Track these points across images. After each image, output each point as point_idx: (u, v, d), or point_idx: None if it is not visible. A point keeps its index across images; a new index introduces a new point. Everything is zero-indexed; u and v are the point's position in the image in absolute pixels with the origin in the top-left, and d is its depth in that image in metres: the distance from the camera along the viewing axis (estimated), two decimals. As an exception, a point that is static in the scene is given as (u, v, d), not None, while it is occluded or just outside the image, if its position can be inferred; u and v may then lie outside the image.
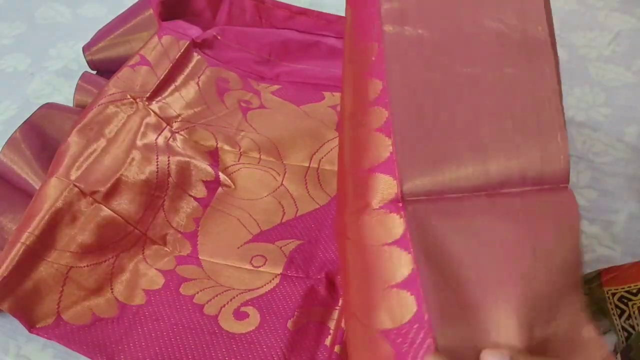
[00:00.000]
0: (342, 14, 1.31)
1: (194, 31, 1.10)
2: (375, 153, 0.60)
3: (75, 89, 1.07)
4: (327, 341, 0.80)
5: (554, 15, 0.60)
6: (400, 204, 0.57)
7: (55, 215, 0.82)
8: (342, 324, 0.81)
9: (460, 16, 0.60)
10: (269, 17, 1.18)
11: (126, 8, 1.18)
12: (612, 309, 0.80)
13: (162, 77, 1.02)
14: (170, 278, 0.87)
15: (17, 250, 0.78)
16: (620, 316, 0.79)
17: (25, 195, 0.93)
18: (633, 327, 0.78)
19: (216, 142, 1.01)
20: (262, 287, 0.86)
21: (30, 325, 0.79)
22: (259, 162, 1.01)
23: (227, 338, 0.81)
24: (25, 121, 0.99)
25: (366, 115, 0.62)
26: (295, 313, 0.82)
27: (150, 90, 1.00)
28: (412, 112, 0.58)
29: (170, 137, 0.97)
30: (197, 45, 1.10)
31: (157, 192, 0.92)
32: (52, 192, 0.84)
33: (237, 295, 0.85)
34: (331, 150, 1.01)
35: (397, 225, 0.57)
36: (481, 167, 0.56)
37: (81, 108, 1.05)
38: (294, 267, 0.88)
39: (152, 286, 0.86)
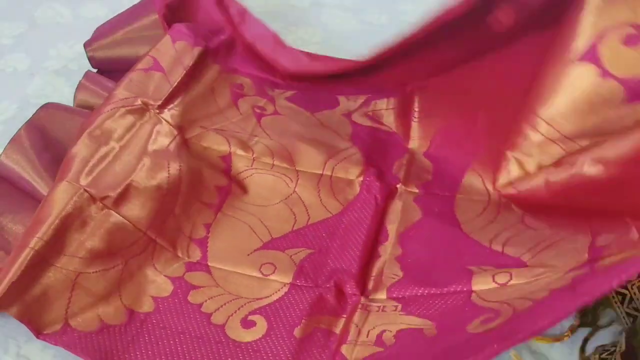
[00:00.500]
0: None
1: (213, 38, 1.10)
2: None
3: (78, 87, 1.08)
4: (334, 346, 0.80)
5: None
6: None
7: (64, 221, 0.82)
8: (349, 328, 0.81)
9: None
10: None
11: (126, 8, 1.18)
12: (614, 296, 0.80)
13: (175, 85, 1.01)
14: (179, 285, 0.87)
15: (25, 256, 0.78)
16: (622, 302, 0.79)
17: (25, 195, 0.93)
18: (637, 310, 0.78)
19: (229, 146, 1.00)
20: (271, 295, 0.86)
21: (38, 331, 0.79)
22: (272, 168, 1.00)
23: (233, 347, 0.81)
24: (29, 120, 0.99)
25: None
26: (303, 321, 0.82)
27: (163, 98, 0.99)
28: None
29: (182, 144, 0.97)
30: (211, 51, 1.10)
31: (168, 197, 0.92)
32: (62, 197, 0.84)
33: (245, 304, 0.85)
34: (345, 158, 1.00)
35: None
36: None
37: (83, 108, 1.05)
38: (303, 277, 0.88)
39: (161, 293, 0.86)
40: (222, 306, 0.85)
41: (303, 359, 0.80)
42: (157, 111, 0.98)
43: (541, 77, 0.82)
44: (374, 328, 0.80)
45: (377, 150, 1.03)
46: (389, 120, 1.07)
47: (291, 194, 0.98)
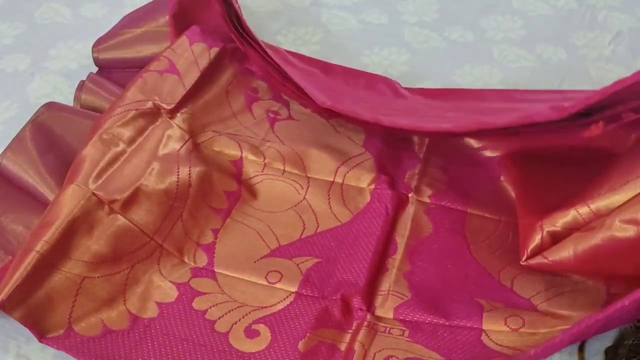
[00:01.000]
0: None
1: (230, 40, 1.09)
2: None
3: (81, 88, 1.08)
4: None
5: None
6: None
7: (72, 224, 0.82)
8: (354, 346, 0.80)
9: None
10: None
11: (126, 8, 1.19)
12: None
13: (189, 87, 1.00)
14: (184, 291, 0.86)
15: (31, 259, 0.78)
16: None
17: (26, 195, 0.93)
18: None
19: (241, 151, 1.00)
20: (276, 304, 0.85)
21: (41, 335, 0.79)
22: (282, 174, 0.99)
23: (236, 357, 0.80)
24: (32, 120, 0.99)
25: None
26: (307, 334, 0.81)
27: (176, 102, 0.98)
28: None
29: (193, 149, 0.97)
30: (228, 51, 1.09)
31: (177, 202, 0.92)
32: (70, 200, 0.83)
33: (249, 312, 0.84)
34: (356, 165, 0.99)
35: None
36: None
37: (88, 109, 1.05)
38: (310, 286, 0.87)
39: (166, 299, 0.85)
40: (226, 313, 0.84)
41: None
42: (169, 115, 0.97)
43: (608, 173, 0.81)
44: (380, 351, 0.80)
45: (390, 158, 1.02)
46: None
47: (301, 201, 0.97)
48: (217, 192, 0.96)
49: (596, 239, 0.74)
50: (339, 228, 0.94)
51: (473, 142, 1.00)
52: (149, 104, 0.96)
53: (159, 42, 1.10)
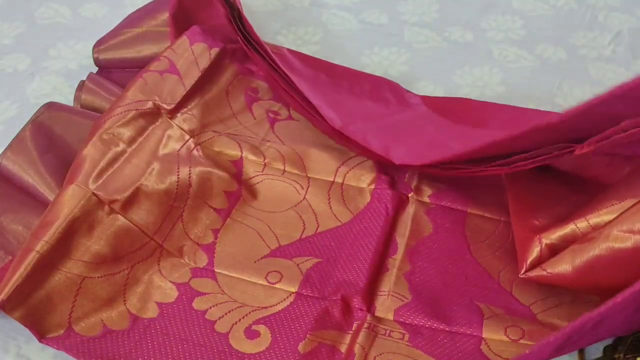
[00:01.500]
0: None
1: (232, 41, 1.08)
2: None
3: (81, 88, 1.08)
4: None
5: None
6: None
7: (72, 224, 0.82)
8: (354, 349, 0.80)
9: None
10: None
11: (126, 8, 1.18)
12: None
13: (190, 88, 1.00)
14: (184, 291, 0.86)
15: (31, 259, 0.78)
16: None
17: (26, 195, 0.93)
18: None
19: (241, 151, 1.00)
20: (276, 305, 0.85)
21: (41, 335, 0.79)
22: (282, 174, 0.99)
23: (236, 357, 0.80)
24: (33, 120, 0.99)
25: None
26: (307, 336, 0.81)
27: (176, 102, 0.98)
28: None
29: (193, 149, 0.97)
30: (229, 51, 1.09)
31: (177, 202, 0.92)
32: (70, 200, 0.83)
33: (249, 313, 0.84)
34: (357, 165, 0.99)
35: None
36: None
37: (88, 109, 1.05)
38: (310, 286, 0.87)
39: (166, 299, 0.85)
40: (226, 314, 0.84)
41: None
42: (169, 116, 0.97)
43: (607, 194, 0.80)
44: (380, 355, 0.80)
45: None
46: None
47: (301, 201, 0.97)
48: (217, 192, 0.96)
49: (594, 249, 0.74)
50: (339, 228, 0.94)
51: None
52: (149, 104, 0.96)
53: (159, 42, 1.10)
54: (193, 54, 1.03)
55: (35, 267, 0.78)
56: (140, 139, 0.93)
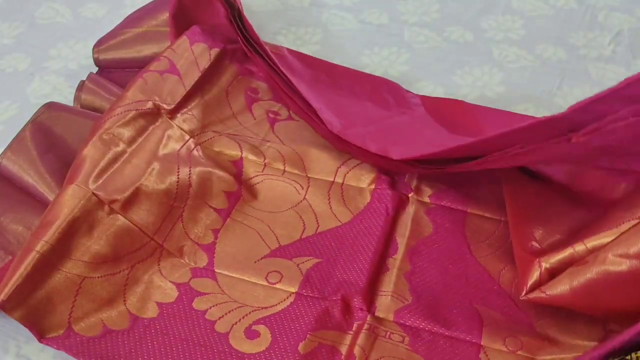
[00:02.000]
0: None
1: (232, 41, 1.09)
2: None
3: (81, 88, 1.08)
4: None
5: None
6: None
7: (72, 224, 0.82)
8: (355, 350, 0.79)
9: None
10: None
11: (126, 8, 1.18)
12: None
13: (189, 88, 1.01)
14: (184, 291, 0.86)
15: (31, 259, 0.78)
16: None
17: (26, 195, 0.93)
18: None
19: (241, 151, 1.00)
20: (276, 305, 0.85)
21: (41, 335, 0.79)
22: (282, 174, 0.99)
23: (236, 358, 0.80)
24: (33, 120, 0.99)
25: None
26: (307, 336, 0.81)
27: (176, 102, 0.98)
28: None
29: (193, 149, 0.97)
30: (229, 51, 1.09)
31: (177, 202, 0.92)
32: (70, 200, 0.83)
33: (250, 313, 0.84)
34: (357, 165, 0.99)
35: None
36: None
37: (88, 109, 1.05)
38: (310, 286, 0.87)
39: (165, 299, 0.85)
40: (226, 314, 0.84)
41: None
42: (169, 116, 0.97)
43: (604, 218, 0.81)
44: (380, 358, 0.80)
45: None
46: None
47: (301, 201, 0.97)
48: (217, 192, 0.95)
49: (591, 272, 0.74)
50: (339, 228, 0.94)
51: None
52: (149, 104, 0.96)
53: (159, 42, 1.10)
54: (193, 54, 1.03)
55: (35, 267, 0.78)
56: (140, 139, 0.93)
